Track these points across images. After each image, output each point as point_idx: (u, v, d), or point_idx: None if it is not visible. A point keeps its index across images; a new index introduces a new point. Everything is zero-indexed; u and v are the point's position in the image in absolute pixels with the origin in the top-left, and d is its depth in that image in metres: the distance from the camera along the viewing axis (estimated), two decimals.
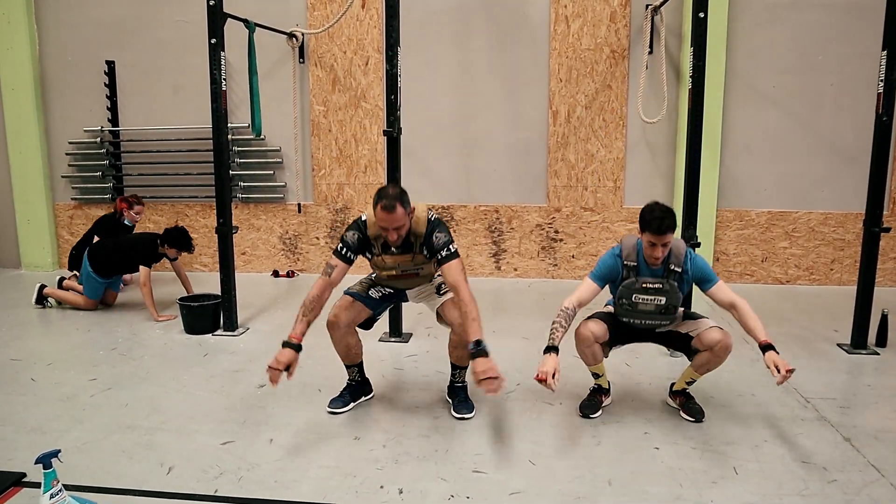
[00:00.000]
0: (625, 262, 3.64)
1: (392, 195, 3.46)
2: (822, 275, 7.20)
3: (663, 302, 3.62)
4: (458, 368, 3.91)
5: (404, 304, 5.23)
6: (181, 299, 5.51)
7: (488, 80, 7.26)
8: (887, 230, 4.88)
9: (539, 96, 7.23)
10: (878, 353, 4.95)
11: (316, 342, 5.07)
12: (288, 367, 3.36)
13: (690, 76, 4.78)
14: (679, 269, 3.59)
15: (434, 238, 3.59)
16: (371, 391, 4.09)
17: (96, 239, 6.49)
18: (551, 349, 3.47)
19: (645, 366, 4.65)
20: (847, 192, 6.92)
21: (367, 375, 4.07)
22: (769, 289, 7.09)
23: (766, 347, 3.42)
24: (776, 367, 3.30)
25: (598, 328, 3.69)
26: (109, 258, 5.91)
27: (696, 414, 3.76)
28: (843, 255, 7.13)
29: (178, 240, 5.82)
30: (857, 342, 5.01)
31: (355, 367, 3.98)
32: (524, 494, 3.00)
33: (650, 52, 6.83)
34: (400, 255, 3.68)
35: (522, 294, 6.86)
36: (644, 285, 3.61)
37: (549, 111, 7.21)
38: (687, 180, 4.81)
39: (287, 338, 3.44)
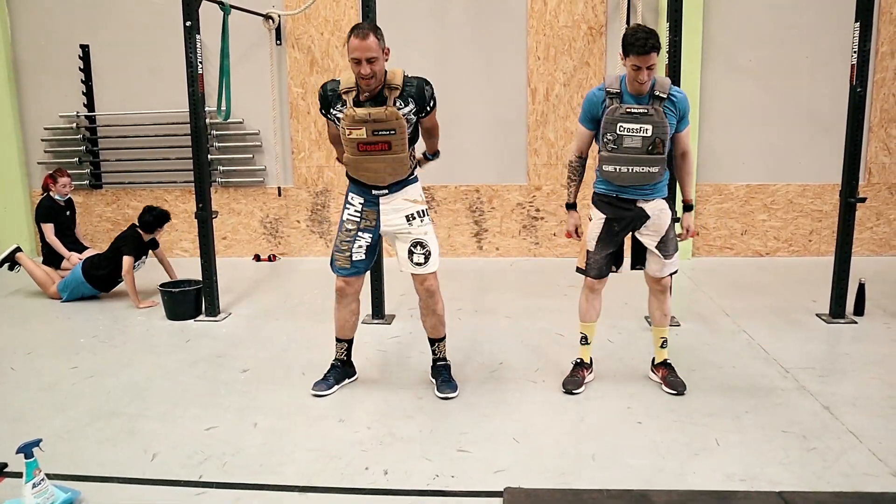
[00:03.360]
0: (607, 90, 3.57)
1: (366, 25, 3.45)
2: (800, 246, 7.27)
3: (649, 133, 3.50)
4: (434, 342, 3.93)
5: (386, 284, 5.26)
6: (162, 285, 5.48)
7: (466, 58, 7.22)
8: (863, 200, 4.94)
9: (517, 74, 7.20)
10: (855, 322, 5.02)
11: (300, 326, 5.12)
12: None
13: (667, 51, 4.78)
14: (664, 95, 3.52)
15: (425, 90, 3.57)
16: (355, 373, 4.09)
17: (47, 228, 6.39)
18: (570, 206, 3.93)
19: (627, 341, 4.69)
20: (824, 164, 6.97)
21: (352, 357, 4.07)
22: (749, 261, 7.16)
23: (687, 207, 3.85)
24: (687, 230, 3.82)
25: (597, 284, 3.85)
26: (109, 272, 5.85)
27: (678, 387, 3.80)
28: (821, 226, 7.20)
29: (157, 218, 5.82)
30: (836, 312, 5.07)
31: (346, 342, 3.99)
32: (509, 472, 3.02)
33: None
34: (372, 107, 3.53)
35: (504, 273, 6.88)
36: (628, 110, 3.51)
37: (528, 89, 7.19)
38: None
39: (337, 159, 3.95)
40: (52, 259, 6.44)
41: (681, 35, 4.77)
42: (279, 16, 7.18)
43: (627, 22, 6.79)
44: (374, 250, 3.85)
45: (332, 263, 3.80)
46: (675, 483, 2.92)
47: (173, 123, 7.40)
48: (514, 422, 3.51)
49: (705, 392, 3.82)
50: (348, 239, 3.77)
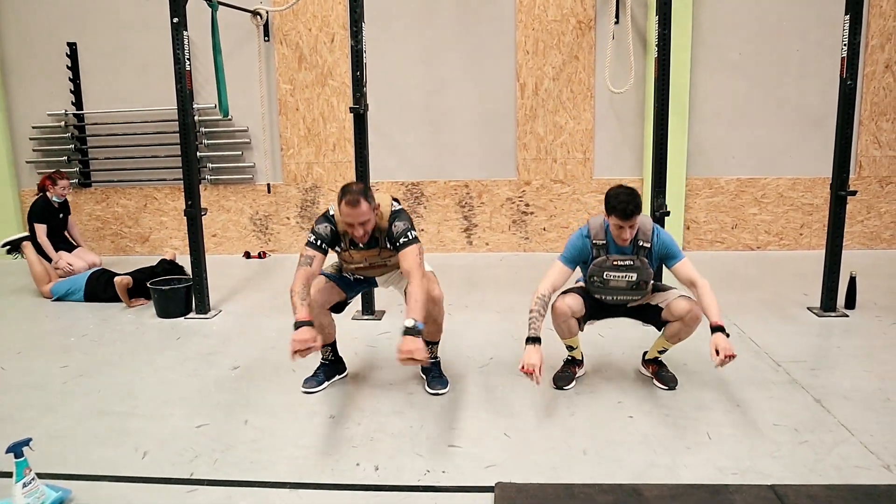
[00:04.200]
0: (593, 242, 3.66)
1: (356, 190, 3.46)
2: (791, 240, 7.29)
3: (634, 278, 3.65)
4: (429, 344, 3.91)
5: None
6: (152, 283, 5.45)
7: (455, 53, 7.20)
8: (854, 193, 4.93)
9: (506, 69, 7.19)
10: (846, 315, 5.04)
11: (291, 322, 5.05)
12: (314, 342, 3.31)
13: (656, 45, 4.78)
14: (648, 245, 3.62)
15: (393, 228, 3.60)
16: (345, 370, 4.08)
17: (39, 228, 6.34)
18: (533, 340, 3.44)
19: (617, 336, 4.68)
20: (814, 157, 6.99)
21: (340, 354, 4.06)
22: (740, 255, 7.17)
23: (715, 329, 3.43)
24: (716, 350, 3.34)
25: (574, 303, 3.70)
26: (111, 297, 5.75)
27: (669, 382, 3.80)
28: (811, 220, 7.22)
29: (167, 273, 5.82)
30: (827, 305, 5.09)
31: (328, 346, 3.97)
32: (500, 467, 3.02)
33: (616, 23, 6.81)
34: (366, 251, 3.69)
35: (495, 268, 6.87)
36: (614, 262, 3.63)
37: (517, 84, 7.18)
38: (655, 149, 4.84)
39: (296, 320, 3.38)
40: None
41: (670, 29, 4.76)
42: (267, 12, 7.15)
43: (616, 16, 6.79)
44: (360, 287, 4.01)
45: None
46: (667, 477, 2.92)
47: (162, 121, 7.36)
48: (504, 417, 3.51)
49: (696, 386, 3.83)
50: (342, 265, 3.89)
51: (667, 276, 4.36)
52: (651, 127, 5.21)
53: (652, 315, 3.80)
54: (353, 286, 3.94)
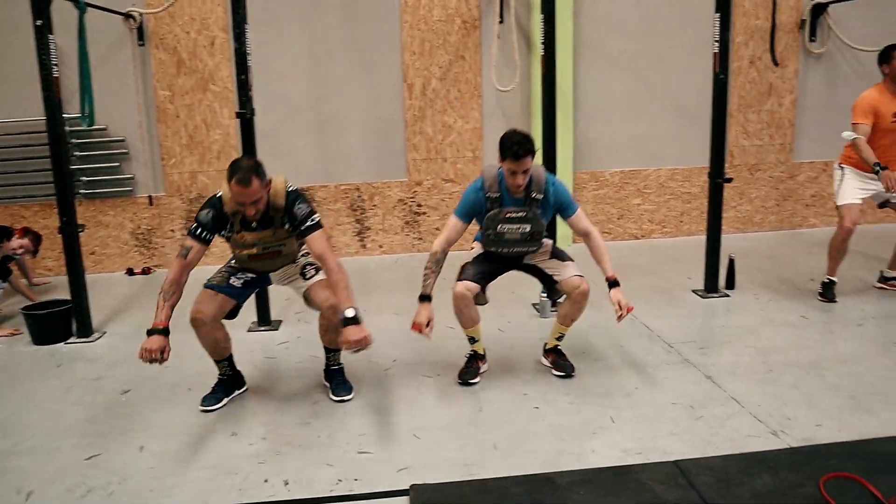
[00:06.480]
0: (487, 195, 3.69)
1: (246, 167, 3.33)
2: (673, 227, 7.62)
3: (528, 230, 3.68)
4: (331, 352, 3.84)
5: (271, 290, 5.09)
6: (24, 308, 5.08)
7: (342, 55, 7.10)
8: (730, 180, 5.19)
9: (394, 70, 7.16)
10: (728, 296, 5.31)
11: (182, 338, 4.80)
12: (162, 353, 3.30)
13: (542, 42, 4.87)
14: (540, 197, 3.68)
15: (296, 210, 3.50)
16: (244, 384, 3.93)
17: None
18: (424, 298, 3.66)
19: (517, 330, 4.75)
20: (691, 148, 7.30)
21: (238, 368, 3.91)
22: (626, 244, 7.43)
23: (612, 283, 3.73)
24: (619, 304, 3.64)
25: (471, 284, 3.75)
26: None
27: (566, 369, 3.89)
28: (690, 208, 7.57)
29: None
30: (709, 287, 5.34)
31: (225, 360, 3.81)
32: (412, 469, 3.00)
33: (501, 22, 6.90)
34: (260, 231, 3.55)
35: (390, 270, 6.84)
36: (508, 215, 3.66)
37: (405, 85, 7.17)
38: (544, 145, 4.93)
39: (151, 326, 3.34)
40: None
41: (554, 27, 4.86)
42: (140, 14, 6.81)
43: (500, 15, 6.89)
44: (252, 289, 3.83)
45: (206, 281, 3.70)
46: (577, 463, 2.99)
47: (27, 133, 6.86)
48: (412, 417, 3.49)
49: (597, 373, 3.94)
50: (229, 270, 3.75)
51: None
52: (538, 123, 5.30)
53: (547, 282, 3.91)
54: (244, 290, 3.77)
